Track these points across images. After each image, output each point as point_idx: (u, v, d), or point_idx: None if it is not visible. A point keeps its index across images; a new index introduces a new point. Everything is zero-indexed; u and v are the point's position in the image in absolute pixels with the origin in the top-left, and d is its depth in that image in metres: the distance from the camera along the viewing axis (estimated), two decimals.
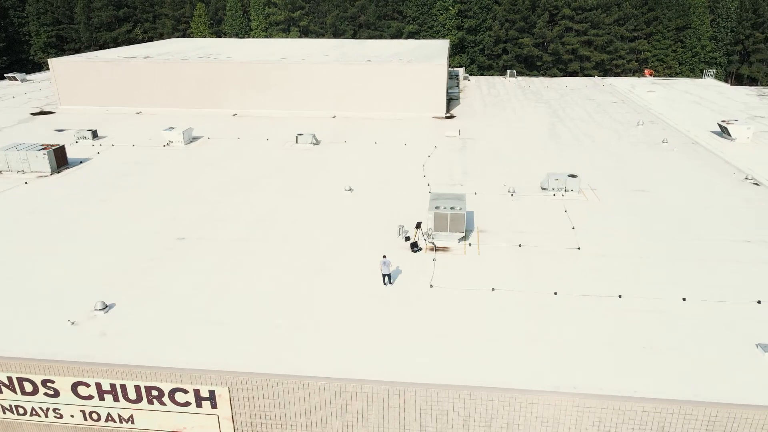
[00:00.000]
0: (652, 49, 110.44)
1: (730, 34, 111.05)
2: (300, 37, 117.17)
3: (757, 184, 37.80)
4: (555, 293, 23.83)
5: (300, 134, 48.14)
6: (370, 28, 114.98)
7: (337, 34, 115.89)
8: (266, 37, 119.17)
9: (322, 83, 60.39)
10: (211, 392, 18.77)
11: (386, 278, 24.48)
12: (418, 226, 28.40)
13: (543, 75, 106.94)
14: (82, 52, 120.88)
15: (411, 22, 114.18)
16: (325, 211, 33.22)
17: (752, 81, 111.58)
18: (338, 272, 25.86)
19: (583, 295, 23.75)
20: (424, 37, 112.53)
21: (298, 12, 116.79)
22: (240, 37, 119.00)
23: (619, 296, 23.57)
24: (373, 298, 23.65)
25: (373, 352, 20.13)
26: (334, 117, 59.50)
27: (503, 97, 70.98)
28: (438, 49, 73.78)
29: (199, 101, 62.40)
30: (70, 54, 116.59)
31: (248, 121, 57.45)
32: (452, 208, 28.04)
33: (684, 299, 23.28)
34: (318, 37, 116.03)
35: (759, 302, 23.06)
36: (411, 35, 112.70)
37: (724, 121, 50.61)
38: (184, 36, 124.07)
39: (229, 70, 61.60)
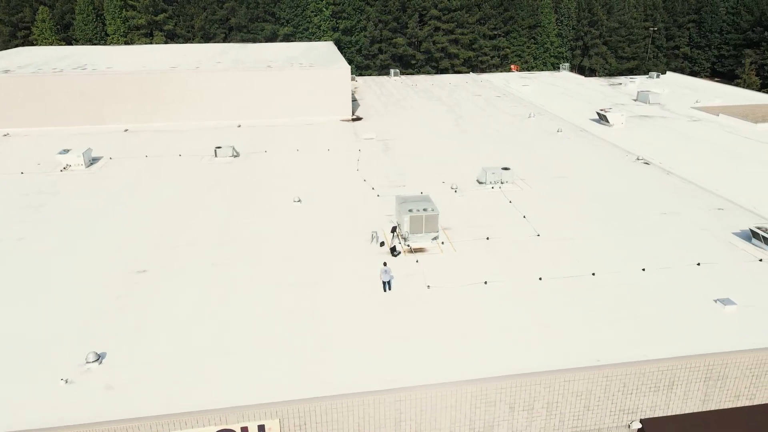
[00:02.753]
0: (510, 46, 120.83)
1: (572, 32, 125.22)
2: (166, 42, 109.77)
3: (647, 163, 43.85)
4: (540, 278, 26.00)
5: (219, 147, 45.89)
6: (242, 31, 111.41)
7: (207, 38, 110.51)
8: (126, 43, 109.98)
9: (223, 92, 57.82)
10: (261, 427, 17.89)
11: (386, 285, 24.85)
12: (394, 230, 29.00)
13: (418, 73, 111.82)
14: None
15: (285, 24, 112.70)
16: (285, 225, 32.39)
17: (592, 72, 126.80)
18: (332, 284, 25.64)
19: (562, 277, 26.17)
20: (300, 39, 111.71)
21: (162, 15, 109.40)
22: (95, 44, 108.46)
23: (593, 274, 26.40)
24: (380, 305, 23.93)
25: (404, 357, 20.53)
26: (239, 126, 57.29)
27: (398, 97, 73.34)
28: (330, 51, 74.08)
29: (81, 118, 56.32)
30: None
31: (146, 137, 53.20)
32: (425, 210, 29.07)
33: (643, 269, 26.74)
34: (186, 42, 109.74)
35: (699, 264, 27.25)
36: (286, 37, 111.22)
37: (602, 110, 57.58)
38: (25, 44, 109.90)
39: (114, 81, 56.36)
